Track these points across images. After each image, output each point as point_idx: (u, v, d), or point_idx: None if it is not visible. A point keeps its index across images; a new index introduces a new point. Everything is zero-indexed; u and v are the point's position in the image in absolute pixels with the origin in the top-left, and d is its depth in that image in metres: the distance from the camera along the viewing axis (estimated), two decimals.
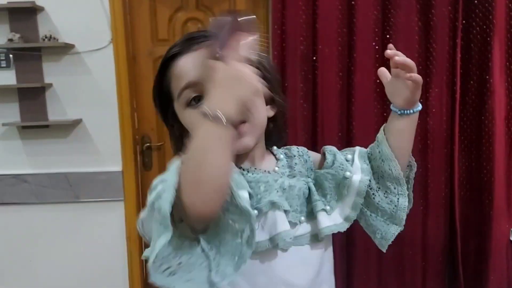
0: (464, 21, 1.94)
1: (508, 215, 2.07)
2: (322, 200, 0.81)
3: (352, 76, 1.98)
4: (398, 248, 2.10)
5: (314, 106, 2.02)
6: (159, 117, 0.85)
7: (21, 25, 2.17)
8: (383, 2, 1.92)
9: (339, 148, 0.90)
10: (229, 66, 0.61)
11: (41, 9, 2.16)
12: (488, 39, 1.93)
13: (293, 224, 0.78)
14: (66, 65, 2.22)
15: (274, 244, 0.74)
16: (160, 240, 0.60)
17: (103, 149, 2.28)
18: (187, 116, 0.76)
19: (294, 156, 0.90)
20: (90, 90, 2.24)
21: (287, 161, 0.87)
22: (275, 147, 0.89)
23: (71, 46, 2.19)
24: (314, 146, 2.02)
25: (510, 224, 2.07)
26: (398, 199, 0.84)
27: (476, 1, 1.93)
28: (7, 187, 2.29)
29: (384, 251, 0.89)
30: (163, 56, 0.79)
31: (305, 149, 0.93)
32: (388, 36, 1.94)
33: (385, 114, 2.01)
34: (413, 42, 1.94)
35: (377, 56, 1.94)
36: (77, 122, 2.25)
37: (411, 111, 0.81)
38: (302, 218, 0.80)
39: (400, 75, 0.78)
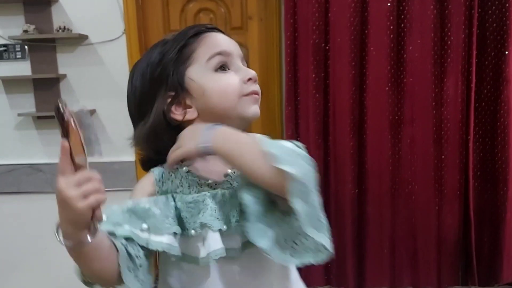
0: (480, 9, 1.91)
1: None
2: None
3: (365, 65, 1.97)
4: (412, 240, 2.09)
5: (326, 96, 2.01)
6: (138, 99, 0.81)
7: (36, 17, 2.19)
8: None
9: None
10: (58, 185, 0.62)
11: (55, 1, 2.18)
12: (505, 27, 1.90)
13: (231, 237, 0.77)
14: (80, 56, 2.24)
15: (211, 259, 0.76)
16: None
17: (117, 139, 2.29)
18: (210, 78, 0.78)
19: None
20: (103, 80, 2.25)
21: None
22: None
23: (85, 37, 2.21)
24: (326, 136, 2.01)
25: None
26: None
27: None
28: (23, 177, 2.33)
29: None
30: (185, 31, 0.80)
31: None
32: (402, 25, 1.92)
33: (398, 104, 2.00)
34: (428, 31, 1.91)
35: (392, 45, 1.92)
36: (91, 112, 2.27)
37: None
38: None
39: None
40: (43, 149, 2.32)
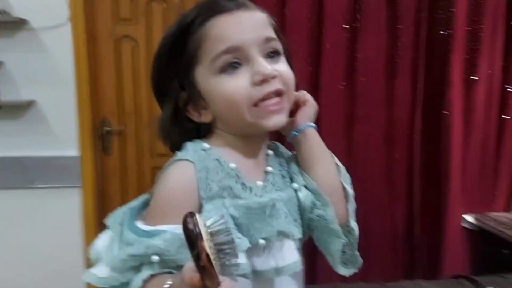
0: (428, 13, 1.97)
1: (462, 203, 2.15)
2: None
3: (320, 63, 1.98)
4: (364, 236, 2.13)
5: None
6: (155, 85, 0.75)
7: None
8: None
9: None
10: None
11: None
12: (450, 31, 1.98)
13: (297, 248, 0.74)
14: (20, 42, 2.08)
15: (280, 274, 0.69)
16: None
17: (59, 132, 2.17)
18: (215, 83, 0.67)
19: (282, 154, 0.81)
20: (46, 69, 2.11)
21: (277, 160, 0.79)
22: None
23: (25, 22, 2.05)
24: (280, 133, 2.00)
25: (463, 212, 2.16)
26: (325, 211, 0.76)
27: None
28: None
29: (338, 271, 0.81)
30: (185, 17, 0.68)
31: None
32: (357, 24, 1.94)
33: (352, 102, 2.02)
34: (381, 31, 1.95)
35: (347, 44, 1.94)
36: (31, 103, 2.12)
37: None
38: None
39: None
40: None
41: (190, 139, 0.72)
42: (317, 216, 0.75)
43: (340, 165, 0.81)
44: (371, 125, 2.04)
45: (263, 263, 0.68)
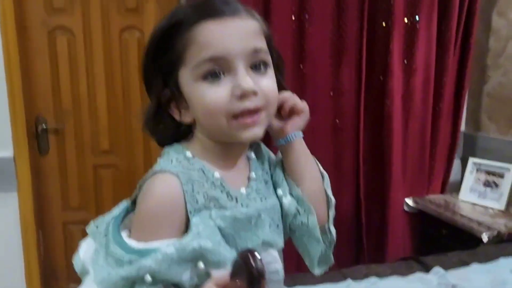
0: (370, 4, 2.04)
1: (403, 187, 2.27)
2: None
3: None
4: None
5: None
6: (143, 76, 0.73)
7: None
8: None
9: None
10: None
11: None
12: (390, 22, 2.06)
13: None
14: None
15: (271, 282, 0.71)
16: None
17: None
18: (196, 89, 0.66)
19: (264, 156, 0.82)
20: None
21: (260, 164, 0.80)
22: None
23: None
24: None
25: (404, 196, 2.28)
26: (308, 218, 0.78)
27: None
28: None
29: (313, 272, 0.84)
30: (175, 14, 0.67)
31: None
32: (304, 15, 1.96)
33: (300, 93, 2.03)
34: (327, 22, 1.99)
35: (295, 34, 1.96)
36: None
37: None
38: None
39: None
40: None
41: (174, 136, 0.72)
42: (300, 222, 0.77)
43: (324, 172, 0.84)
44: (318, 115, 2.08)
45: None
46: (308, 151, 0.81)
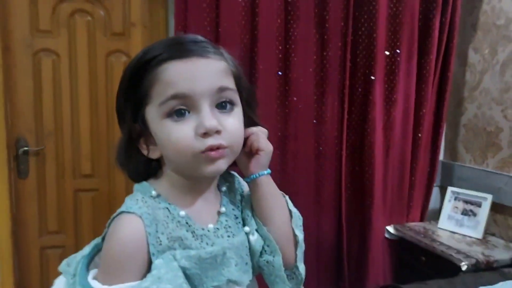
0: (352, 37, 2.11)
1: (384, 214, 2.30)
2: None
3: (254, 82, 2.01)
4: None
5: None
6: (116, 110, 0.75)
7: None
8: (285, 11, 1.98)
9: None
10: None
11: None
12: (372, 55, 2.13)
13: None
14: None
15: None
16: None
17: None
18: (162, 127, 0.67)
19: (236, 190, 0.83)
20: None
21: (232, 198, 0.81)
22: None
23: None
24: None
25: (385, 223, 2.31)
26: (273, 257, 0.78)
27: (362, 20, 2.12)
28: None
29: None
30: (145, 53, 0.69)
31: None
32: (289, 46, 2.01)
33: (284, 121, 2.08)
34: (311, 54, 2.04)
35: (280, 64, 2.00)
36: None
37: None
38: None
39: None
40: None
41: (145, 172, 0.73)
42: (266, 261, 0.78)
43: (293, 209, 0.83)
44: (301, 142, 2.11)
45: None
46: (276, 190, 0.81)
